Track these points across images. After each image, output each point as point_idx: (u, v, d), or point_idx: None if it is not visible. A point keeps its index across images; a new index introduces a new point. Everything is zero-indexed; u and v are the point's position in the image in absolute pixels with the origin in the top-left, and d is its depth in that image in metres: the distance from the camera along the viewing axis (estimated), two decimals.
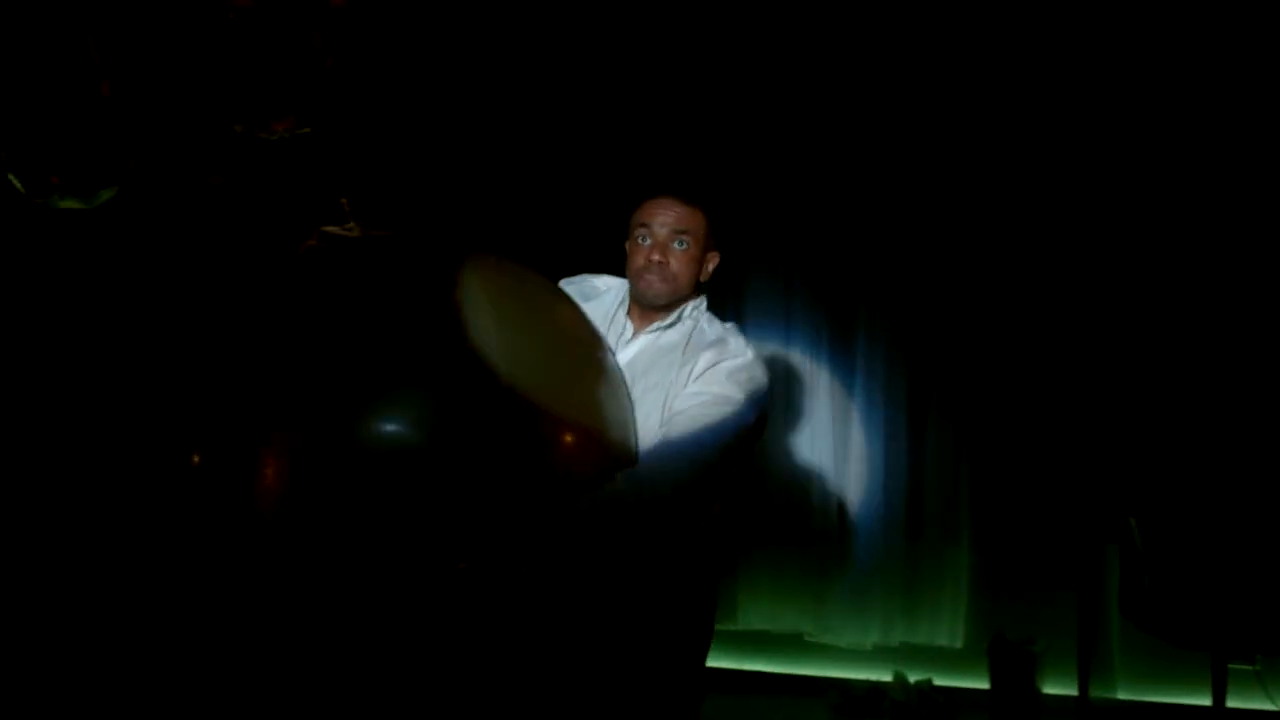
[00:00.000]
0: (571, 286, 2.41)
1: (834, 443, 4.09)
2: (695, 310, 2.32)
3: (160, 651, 2.63)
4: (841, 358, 4.12)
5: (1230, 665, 3.48)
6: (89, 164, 2.98)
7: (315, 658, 1.99)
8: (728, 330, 2.30)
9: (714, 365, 2.18)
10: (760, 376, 2.20)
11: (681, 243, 2.26)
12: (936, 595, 4.07)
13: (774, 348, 4.10)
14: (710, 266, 2.33)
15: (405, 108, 3.40)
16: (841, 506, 4.12)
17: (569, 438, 1.81)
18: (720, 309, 2.40)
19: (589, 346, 2.04)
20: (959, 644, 4.06)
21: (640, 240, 2.29)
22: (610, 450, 1.90)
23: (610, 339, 2.28)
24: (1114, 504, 3.74)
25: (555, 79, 4.12)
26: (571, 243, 3.16)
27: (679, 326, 2.30)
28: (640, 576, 2.11)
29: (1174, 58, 3.85)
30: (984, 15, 3.98)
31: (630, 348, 2.29)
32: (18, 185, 2.93)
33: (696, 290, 2.33)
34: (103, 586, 2.78)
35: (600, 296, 2.39)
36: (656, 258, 2.25)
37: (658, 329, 2.29)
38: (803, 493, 4.14)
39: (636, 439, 2.06)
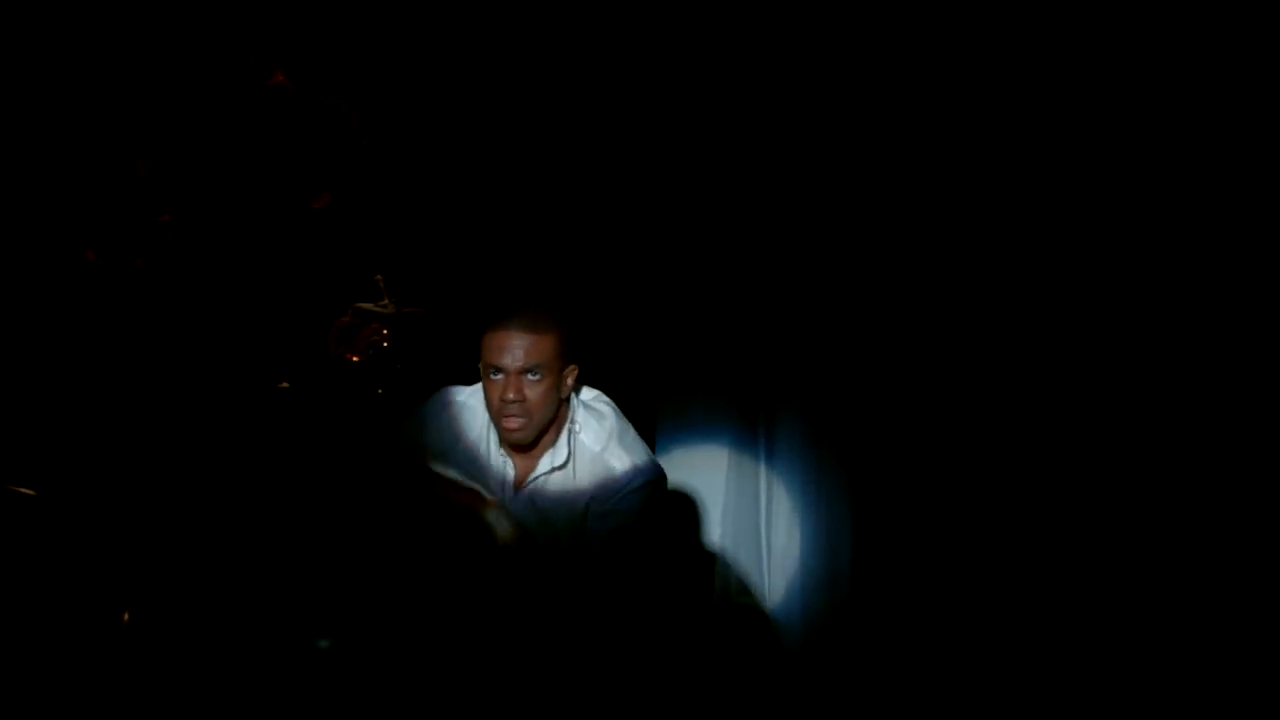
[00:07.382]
0: (442, 414, 2.43)
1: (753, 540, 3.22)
2: (569, 435, 2.32)
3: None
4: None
5: None
6: (122, 240, 2.97)
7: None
8: (611, 440, 2.33)
9: (610, 499, 2.27)
10: (656, 488, 2.31)
11: (535, 373, 2.21)
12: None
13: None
14: (570, 380, 2.29)
15: (439, 182, 3.41)
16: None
17: None
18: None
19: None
20: None
21: (492, 376, 2.24)
22: None
23: (492, 477, 2.34)
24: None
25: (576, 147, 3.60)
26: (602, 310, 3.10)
27: (560, 473, 2.31)
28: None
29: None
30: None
31: (518, 499, 2.32)
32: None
33: (561, 404, 2.31)
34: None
35: (466, 413, 2.41)
36: (511, 396, 2.20)
37: (540, 478, 2.32)
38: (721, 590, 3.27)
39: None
